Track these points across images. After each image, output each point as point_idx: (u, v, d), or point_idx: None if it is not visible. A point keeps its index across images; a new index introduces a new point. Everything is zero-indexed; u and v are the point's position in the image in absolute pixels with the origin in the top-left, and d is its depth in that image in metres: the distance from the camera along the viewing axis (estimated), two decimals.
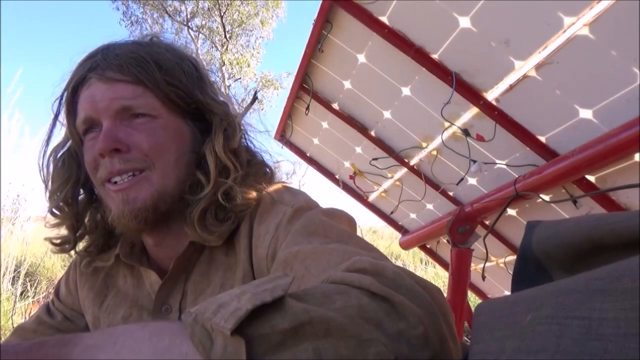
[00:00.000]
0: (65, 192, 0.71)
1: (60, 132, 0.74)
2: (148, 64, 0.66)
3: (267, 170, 0.76)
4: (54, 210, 0.72)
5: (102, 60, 0.65)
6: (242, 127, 0.75)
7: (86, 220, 0.74)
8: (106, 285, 0.77)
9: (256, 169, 0.73)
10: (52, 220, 0.73)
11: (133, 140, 0.64)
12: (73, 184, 0.72)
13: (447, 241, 1.84)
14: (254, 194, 0.69)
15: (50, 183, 0.72)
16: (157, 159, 0.65)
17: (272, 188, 0.72)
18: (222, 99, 0.75)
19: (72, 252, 0.75)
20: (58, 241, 0.73)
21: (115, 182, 0.64)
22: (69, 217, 0.72)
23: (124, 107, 0.64)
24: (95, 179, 0.67)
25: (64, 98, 0.69)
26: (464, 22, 1.21)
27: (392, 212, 2.21)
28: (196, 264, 0.70)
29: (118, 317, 0.73)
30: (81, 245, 0.75)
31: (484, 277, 1.80)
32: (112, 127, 0.64)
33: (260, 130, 0.80)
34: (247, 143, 0.76)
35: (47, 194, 0.72)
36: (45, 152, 0.72)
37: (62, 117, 0.71)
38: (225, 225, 0.67)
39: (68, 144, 0.72)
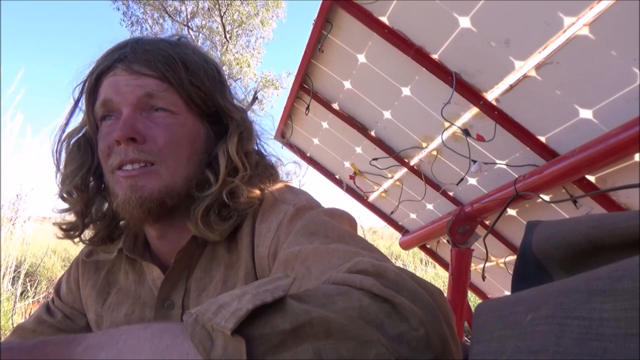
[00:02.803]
0: (78, 177, 0.71)
1: (72, 120, 0.74)
2: (175, 63, 0.67)
3: (273, 172, 0.77)
4: (64, 194, 0.72)
5: (131, 53, 0.66)
6: (256, 132, 0.76)
7: (93, 208, 0.74)
8: (108, 283, 0.77)
9: (262, 170, 0.74)
10: (61, 205, 0.73)
11: (150, 132, 0.65)
12: (86, 170, 0.72)
13: (447, 241, 1.84)
14: (257, 192, 0.69)
15: (63, 167, 0.72)
16: (169, 156, 0.66)
17: (274, 187, 0.73)
18: (239, 104, 0.76)
19: (74, 253, 0.75)
20: (66, 227, 0.73)
21: (126, 170, 0.65)
22: (78, 203, 0.72)
23: (147, 95, 0.65)
24: (106, 165, 0.67)
25: (86, 84, 0.69)
26: (464, 22, 1.21)
27: (392, 212, 2.21)
28: (198, 260, 0.70)
29: (121, 314, 0.73)
30: (86, 235, 0.75)
31: (484, 277, 1.80)
32: (131, 116, 0.64)
33: (271, 135, 0.82)
34: (258, 147, 0.78)
35: (59, 178, 0.73)
36: (61, 136, 0.73)
37: (82, 103, 0.71)
38: (227, 223, 0.67)
39: (84, 130, 0.73)
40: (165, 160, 0.65)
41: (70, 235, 0.74)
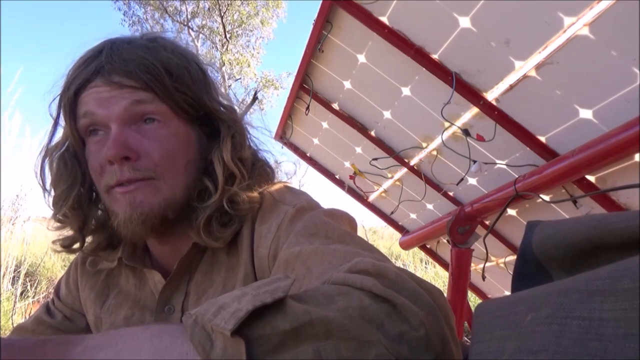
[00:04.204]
0: (71, 198, 0.69)
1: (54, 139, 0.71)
2: (158, 70, 0.63)
3: (269, 171, 0.76)
4: (60, 217, 0.70)
5: (108, 63, 0.62)
6: (247, 130, 0.74)
7: (90, 221, 0.72)
8: (107, 285, 0.77)
9: (260, 172, 0.73)
10: (57, 224, 0.71)
11: (144, 147, 0.62)
12: (78, 188, 0.69)
13: (447, 241, 1.84)
14: (257, 196, 0.69)
15: (52, 186, 0.70)
16: (167, 169, 0.63)
17: (273, 188, 0.72)
18: (226, 102, 0.74)
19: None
20: (66, 243, 0.72)
21: (122, 185, 0.63)
22: (75, 221, 0.70)
23: (134, 104, 0.62)
24: (101, 185, 0.65)
25: (63, 99, 0.66)
26: (464, 22, 1.21)
27: (392, 212, 2.22)
28: (199, 265, 0.70)
29: (120, 317, 0.73)
30: (86, 245, 0.74)
31: (484, 277, 1.80)
32: (122, 132, 0.61)
33: (258, 127, 0.79)
34: (249, 143, 0.76)
35: (51, 199, 0.70)
36: (44, 157, 0.70)
37: (61, 118, 0.68)
38: (229, 230, 0.67)
39: (66, 145, 0.69)
40: (163, 174, 0.63)
41: (72, 250, 0.72)
